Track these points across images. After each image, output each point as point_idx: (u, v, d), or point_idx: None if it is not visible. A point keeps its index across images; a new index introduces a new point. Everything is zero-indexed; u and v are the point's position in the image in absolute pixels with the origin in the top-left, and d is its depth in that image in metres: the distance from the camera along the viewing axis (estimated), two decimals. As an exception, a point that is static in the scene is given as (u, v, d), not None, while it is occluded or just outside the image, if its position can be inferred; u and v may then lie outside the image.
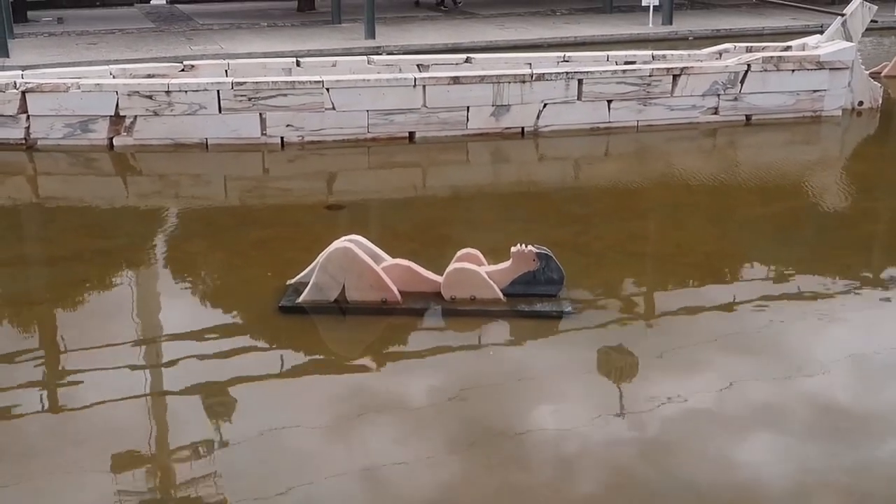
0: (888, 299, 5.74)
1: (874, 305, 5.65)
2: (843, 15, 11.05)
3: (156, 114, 9.10)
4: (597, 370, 4.75)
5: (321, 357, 4.93)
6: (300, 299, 5.33)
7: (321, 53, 14.04)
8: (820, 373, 4.69)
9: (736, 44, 11.91)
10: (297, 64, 10.68)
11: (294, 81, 9.34)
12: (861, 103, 11.09)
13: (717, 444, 4.02)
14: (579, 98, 9.94)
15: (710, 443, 4.04)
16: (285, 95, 9.22)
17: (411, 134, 9.57)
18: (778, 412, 4.29)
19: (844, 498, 3.68)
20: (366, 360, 4.86)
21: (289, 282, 5.58)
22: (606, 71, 10.12)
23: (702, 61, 11.09)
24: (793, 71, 10.52)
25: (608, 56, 11.41)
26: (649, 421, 4.20)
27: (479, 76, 9.71)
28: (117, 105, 9.06)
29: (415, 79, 9.53)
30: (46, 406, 4.41)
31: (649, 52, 11.61)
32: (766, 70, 10.42)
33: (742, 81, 10.37)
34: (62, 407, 4.44)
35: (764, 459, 3.89)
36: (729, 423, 4.19)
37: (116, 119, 9.12)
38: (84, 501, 3.66)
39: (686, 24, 18.32)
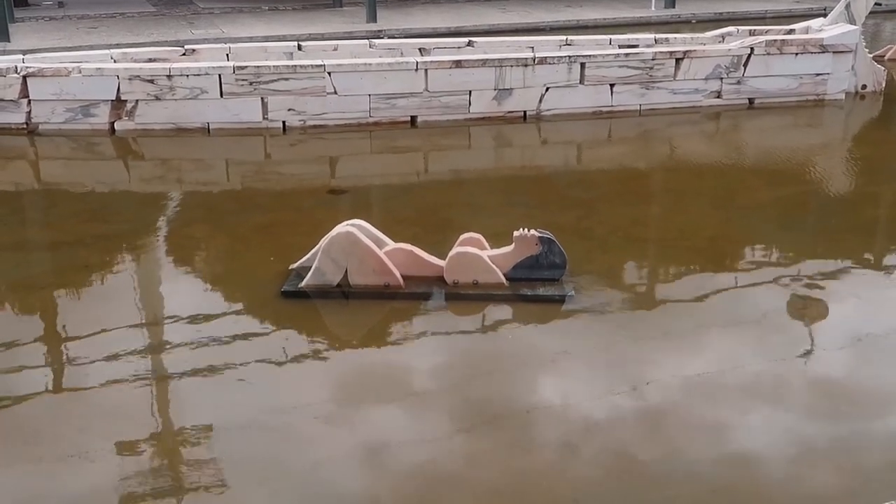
0: (891, 282, 5.74)
1: (876, 288, 5.65)
2: (846, -2, 11.02)
3: (157, 98, 9.09)
4: (599, 353, 4.75)
5: (324, 341, 4.94)
6: (303, 284, 5.33)
7: (323, 37, 14.00)
8: (822, 353, 4.71)
9: (739, 27, 11.88)
10: (299, 48, 10.65)
11: (296, 65, 9.32)
12: (864, 87, 11.06)
13: (720, 426, 4.03)
14: (582, 82, 9.91)
15: (713, 424, 4.04)
16: (287, 80, 9.20)
17: (413, 118, 9.56)
18: (780, 393, 4.30)
19: (845, 475, 3.68)
20: (369, 345, 4.86)
21: (291, 266, 5.58)
22: (609, 54, 10.10)
23: (704, 45, 11.07)
24: (796, 54, 10.49)
25: (611, 39, 11.39)
26: (652, 402, 4.21)
27: (482, 60, 9.68)
28: (119, 89, 9.04)
29: (417, 63, 9.51)
30: (50, 390, 4.42)
31: (652, 36, 11.58)
32: (769, 53, 10.39)
33: (745, 65, 10.34)
34: (66, 391, 4.44)
35: (766, 440, 3.90)
36: (731, 403, 4.20)
37: (118, 103, 9.10)
38: (88, 485, 3.67)
39: (689, 7, 18.26)
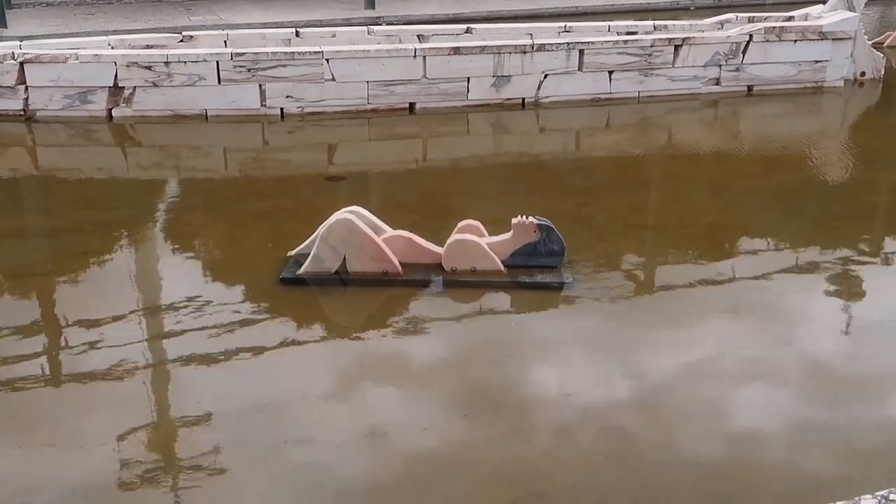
0: (888, 269, 5.74)
1: (875, 274, 5.66)
2: (845, -16, 10.99)
3: (155, 85, 9.07)
4: (597, 339, 4.75)
5: (322, 328, 4.94)
6: (301, 271, 5.33)
7: (321, 24, 13.95)
8: (820, 339, 4.71)
9: (738, 13, 11.85)
10: (297, 34, 10.62)
11: (294, 52, 9.29)
12: (863, 74, 11.05)
13: (719, 412, 4.04)
14: (580, 69, 9.89)
15: (711, 410, 4.05)
16: (285, 66, 9.18)
17: (412, 105, 9.54)
18: (778, 379, 4.31)
19: (843, 461, 3.70)
20: (367, 331, 4.86)
21: (290, 253, 5.58)
22: (608, 41, 10.07)
23: (703, 31, 11.05)
24: (795, 41, 10.47)
25: (609, 26, 11.37)
26: (650, 389, 4.22)
27: (480, 47, 9.65)
28: (116, 76, 9.01)
29: (415, 49, 9.49)
30: (50, 377, 4.42)
31: (651, 23, 11.55)
32: (768, 40, 10.37)
33: (744, 52, 10.32)
34: (65, 378, 4.45)
35: (765, 426, 3.91)
36: (730, 390, 4.21)
37: (115, 90, 9.08)
38: (88, 471, 3.67)
39: (688, -7, 18.18)
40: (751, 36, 10.31)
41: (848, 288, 5.45)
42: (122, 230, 6.40)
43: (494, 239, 5.45)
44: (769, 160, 8.27)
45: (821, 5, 11.52)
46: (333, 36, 10.69)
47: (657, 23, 11.53)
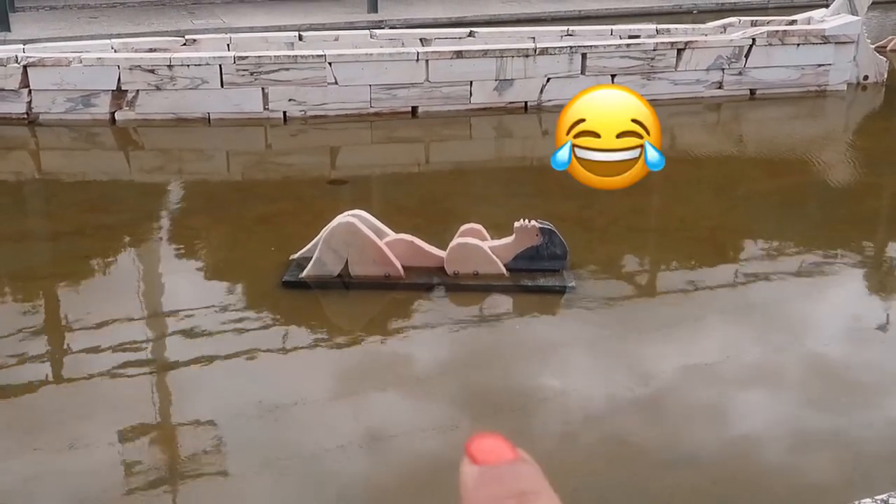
0: (891, 273, 5.74)
1: (876, 278, 5.65)
2: (848, -12, 10.98)
3: (158, 88, 9.08)
4: (599, 343, 4.75)
5: (325, 331, 4.94)
6: (303, 274, 5.32)
7: (323, 27, 13.97)
8: (821, 343, 4.71)
9: (741, 17, 11.84)
10: (300, 38, 10.64)
11: (296, 56, 9.30)
12: (866, 77, 11.04)
13: (721, 415, 4.03)
14: (583, 72, 9.88)
15: (713, 414, 4.05)
16: (287, 70, 9.19)
17: (414, 108, 9.54)
18: (780, 383, 4.31)
19: (844, 465, 3.69)
20: (369, 334, 4.87)
21: (292, 257, 5.57)
22: (610, 45, 10.07)
23: (706, 35, 11.04)
24: (798, 45, 10.46)
25: (612, 30, 11.37)
26: (652, 392, 4.22)
27: (483, 50, 9.66)
28: (119, 79, 9.03)
29: (417, 53, 9.49)
30: (51, 380, 4.43)
31: (653, 26, 11.55)
32: (770, 44, 10.36)
33: (747, 56, 10.31)
34: (68, 381, 4.45)
35: (766, 430, 3.91)
36: (731, 393, 4.21)
37: (118, 93, 9.09)
38: (91, 474, 3.68)
39: (690, -3, 18.19)
40: (753, 40, 10.31)
41: (851, 292, 5.45)
42: (124, 233, 6.41)
43: (497, 242, 5.45)
44: (772, 164, 8.27)
45: (823, 9, 11.51)
46: (336, 39, 10.71)
47: (660, 26, 11.52)
